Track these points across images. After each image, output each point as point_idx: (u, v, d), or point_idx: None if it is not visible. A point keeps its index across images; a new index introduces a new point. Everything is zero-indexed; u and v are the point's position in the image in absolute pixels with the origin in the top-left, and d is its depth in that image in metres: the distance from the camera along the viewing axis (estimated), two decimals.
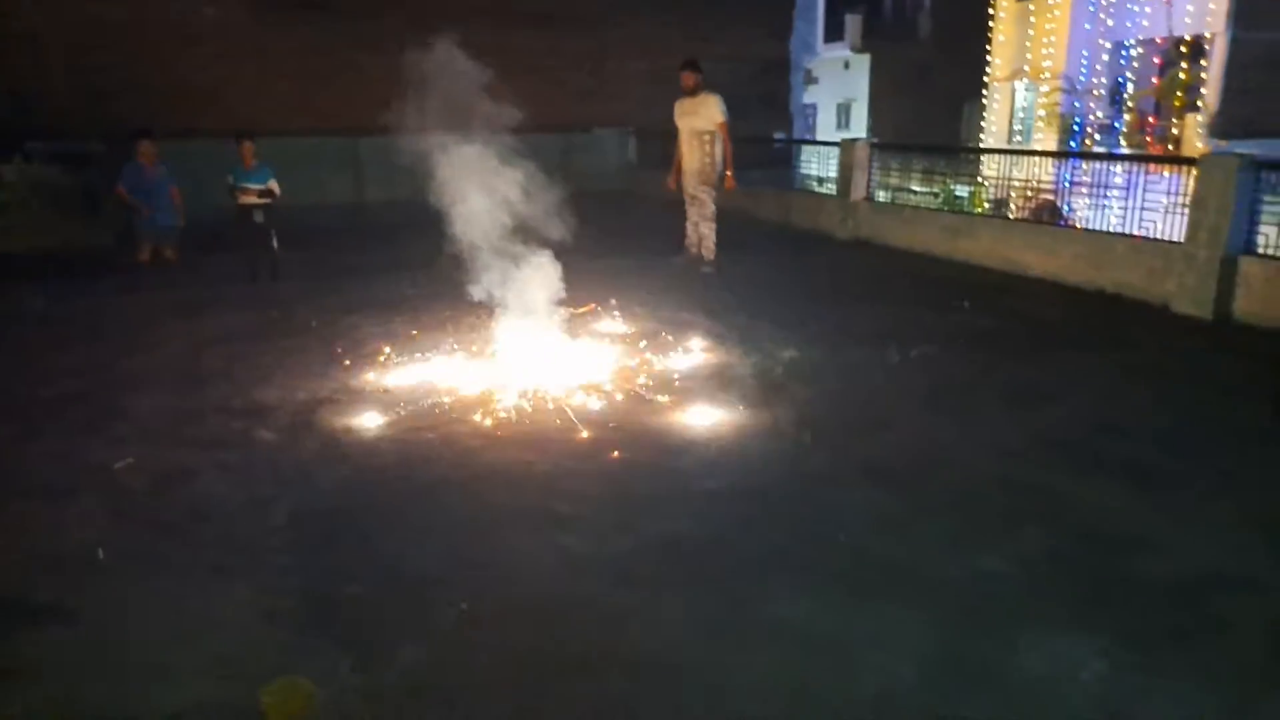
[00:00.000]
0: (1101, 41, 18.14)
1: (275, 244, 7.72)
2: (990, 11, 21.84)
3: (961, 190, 12.18)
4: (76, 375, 5.25)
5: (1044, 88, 19.69)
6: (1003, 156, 9.13)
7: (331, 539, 3.34)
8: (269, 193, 7.69)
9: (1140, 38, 17.09)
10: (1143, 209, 6.90)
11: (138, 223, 8.27)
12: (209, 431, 4.33)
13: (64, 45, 12.40)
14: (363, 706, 2.42)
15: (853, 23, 26.71)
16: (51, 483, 3.81)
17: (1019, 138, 20.95)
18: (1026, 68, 20.83)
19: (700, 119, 7.80)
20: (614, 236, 7.81)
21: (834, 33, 26.19)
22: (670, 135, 8.57)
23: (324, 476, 3.85)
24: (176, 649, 2.68)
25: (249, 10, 13.29)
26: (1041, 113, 19.35)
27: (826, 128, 28.58)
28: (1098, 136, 17.09)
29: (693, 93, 7.81)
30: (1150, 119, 16.40)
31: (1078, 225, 7.80)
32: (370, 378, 5.08)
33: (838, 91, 28.43)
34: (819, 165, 11.69)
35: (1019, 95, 21.54)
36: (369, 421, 4.43)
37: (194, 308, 6.72)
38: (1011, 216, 8.73)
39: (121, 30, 12.62)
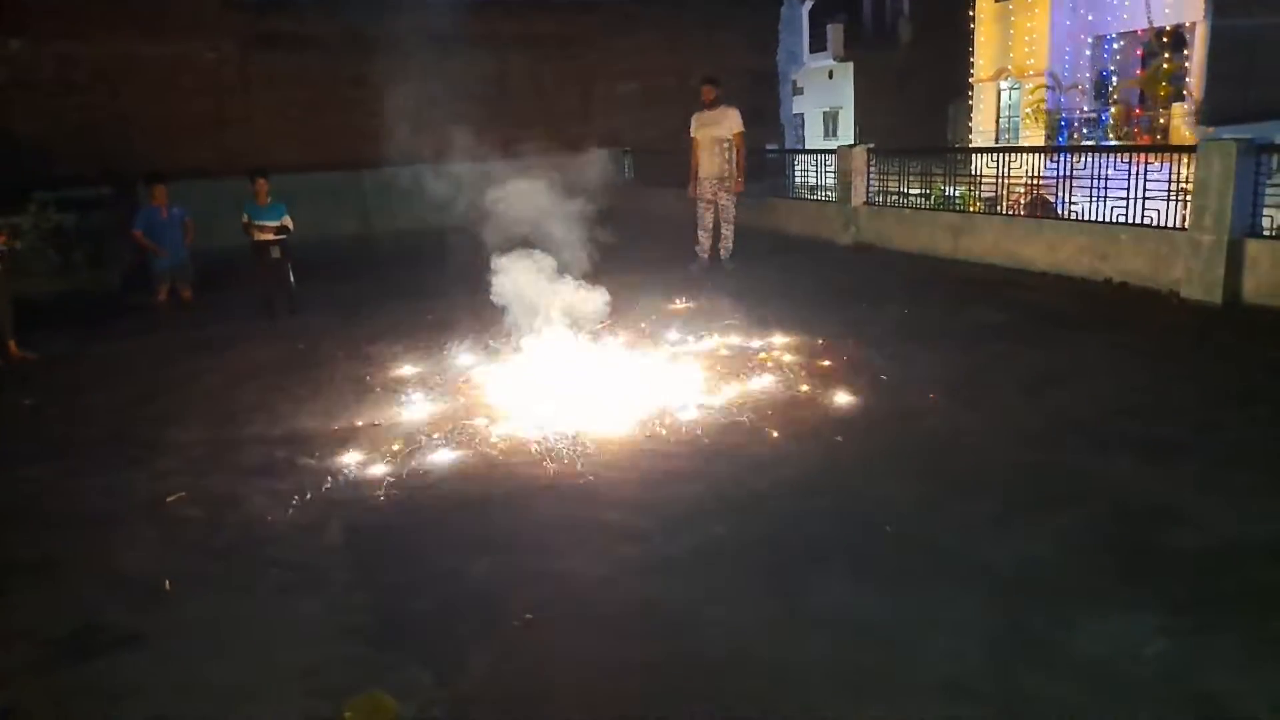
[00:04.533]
0: (1083, 36, 18.42)
1: (292, 278, 7.84)
2: (970, 14, 22.18)
3: (952, 190, 12.35)
4: (113, 413, 5.33)
5: (1028, 85, 19.96)
6: (999, 154, 9.28)
7: (390, 556, 3.41)
8: (284, 229, 7.82)
9: (1121, 30, 17.36)
10: (1144, 198, 7.03)
11: (154, 264, 8.39)
12: (253, 461, 4.40)
13: (57, 90, 12.56)
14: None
15: (834, 32, 27.07)
16: (104, 515, 3.88)
17: (1006, 135, 21.21)
18: (1010, 66, 21.12)
19: (722, 128, 8.54)
20: (625, 250, 7.95)
21: (818, 43, 26.56)
22: (672, 152, 8.86)
23: (373, 498, 3.92)
24: (256, 668, 2.75)
25: (244, 50, 13.49)
26: (1028, 110, 19.61)
27: (814, 136, 28.87)
28: (1085, 130, 17.32)
29: (713, 105, 8.58)
30: (1136, 110, 16.64)
31: (1076, 218, 7.94)
32: (404, 401, 5.17)
33: (823, 100, 28.75)
34: (815, 173, 11.85)
35: (1003, 94, 21.83)
36: (410, 443, 4.51)
37: (218, 344, 6.81)
38: (1004, 212, 8.90)
39: (119, 74, 12.81)
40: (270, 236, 7.76)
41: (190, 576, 3.31)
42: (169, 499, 3.98)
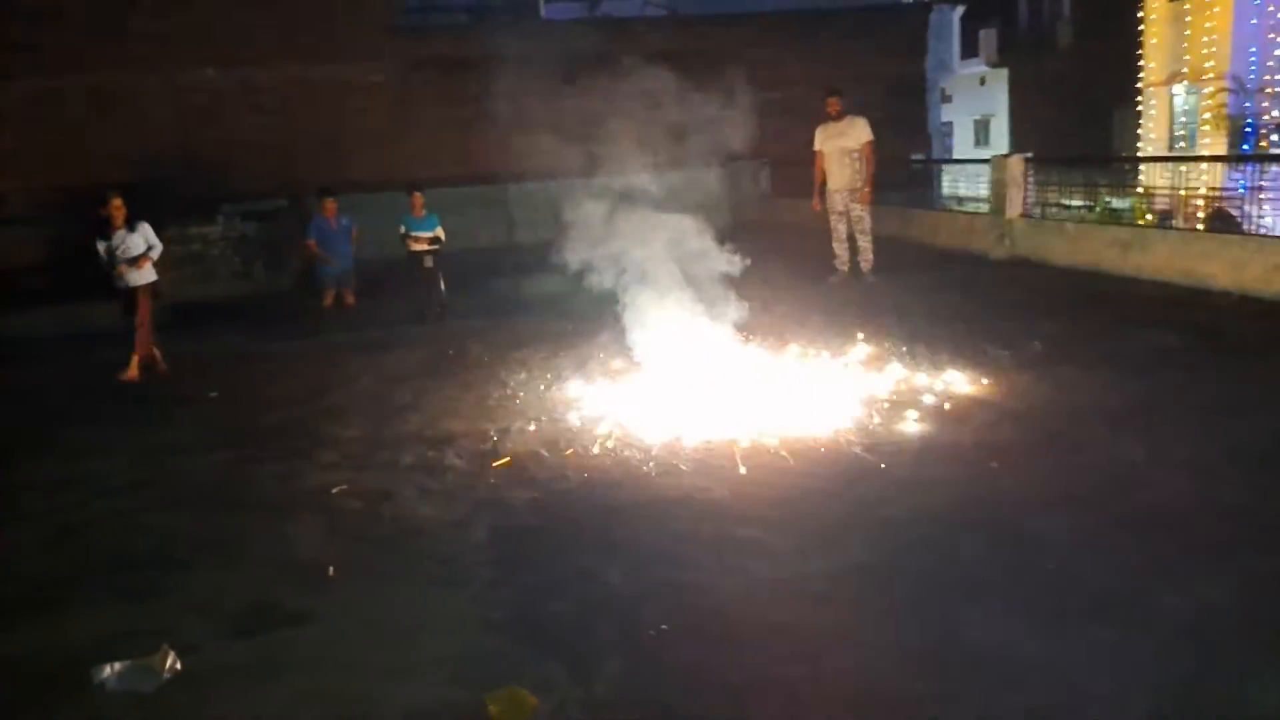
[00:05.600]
0: (1271, 35, 16.82)
1: (443, 286, 8.25)
2: (1140, 14, 20.70)
3: (1119, 202, 11.55)
4: (284, 407, 5.78)
5: (1206, 89, 18.41)
6: (1174, 164, 8.60)
7: (530, 556, 3.52)
8: (437, 239, 8.26)
9: None
10: None
11: (321, 271, 9.03)
12: (407, 458, 4.66)
13: (242, 112, 13.79)
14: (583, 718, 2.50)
15: (987, 38, 25.89)
16: (277, 501, 4.23)
17: (1181, 144, 19.62)
18: (1185, 69, 19.54)
19: (849, 139, 8.46)
20: (763, 262, 7.92)
21: (969, 49, 25.49)
22: (811, 163, 8.77)
23: (515, 499, 4.06)
24: (407, 653, 2.90)
25: (405, 72, 14.36)
26: (1206, 116, 18.07)
27: (964, 145, 27.71)
28: (1275, 137, 15.79)
29: (839, 117, 8.51)
30: None
31: (1265, 233, 7.24)
32: (544, 408, 5.33)
33: (974, 108, 27.57)
34: (964, 184, 11.39)
35: (1177, 99, 20.22)
36: (549, 449, 4.64)
37: (376, 346, 7.26)
38: (1180, 226, 8.22)
39: (295, 96, 13.93)
40: (424, 247, 8.22)
41: (352, 563, 3.53)
42: (333, 490, 4.26)
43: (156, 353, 6.92)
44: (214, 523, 4.04)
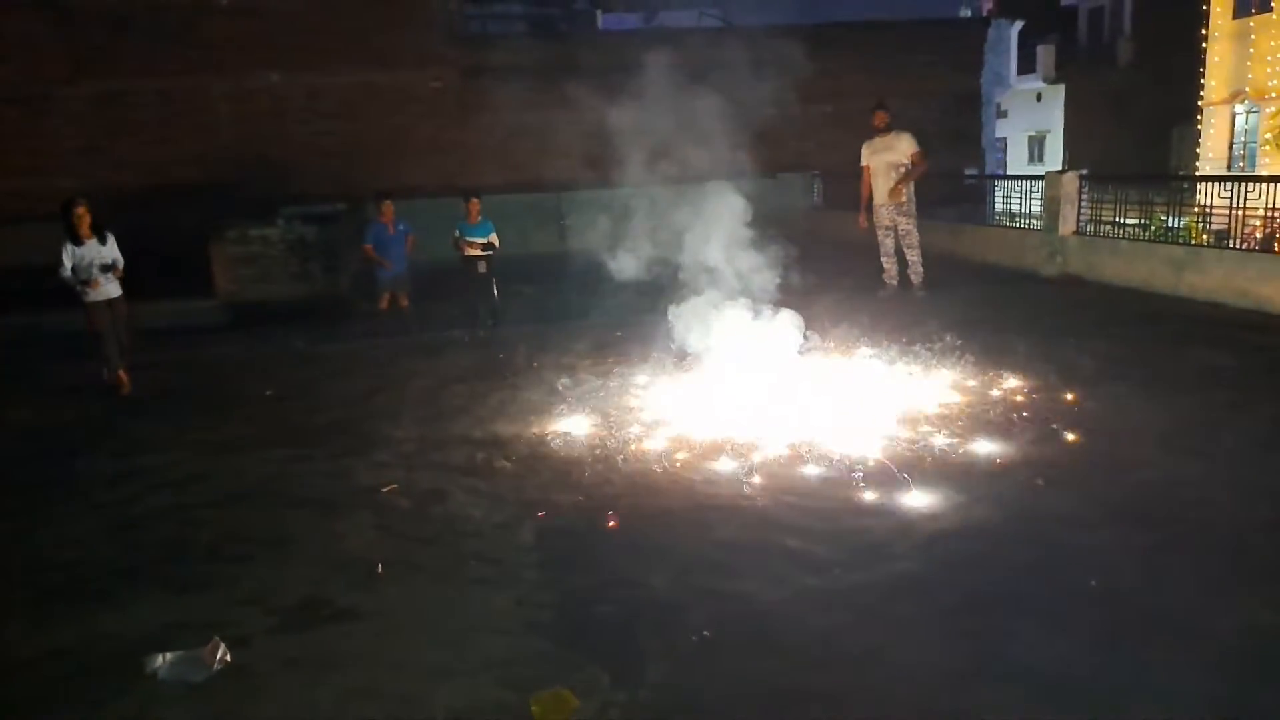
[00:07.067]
0: None
1: (496, 291, 8.40)
2: (1203, 32, 20.23)
3: (1175, 221, 11.31)
4: (338, 407, 5.92)
5: (1270, 109, 17.92)
6: (1234, 184, 8.39)
7: (575, 559, 3.58)
8: (491, 245, 8.40)
9: None
10: None
11: (378, 274, 9.22)
12: (457, 459, 4.75)
13: (304, 117, 14.17)
14: None
15: (1045, 53, 25.53)
16: (327, 499, 4.33)
17: (1241, 164, 19.11)
18: (1247, 88, 19.04)
19: (896, 153, 8.47)
20: (814, 274, 7.93)
21: (1026, 65, 25.11)
22: (858, 176, 8.75)
23: (561, 502, 4.12)
24: (453, 651, 2.96)
25: (463, 79, 14.63)
26: (1268, 135, 17.59)
27: (1017, 161, 27.35)
28: None
29: (885, 130, 8.53)
30: None
31: None
32: (591, 413, 5.39)
33: (1029, 124, 27.21)
34: (1018, 200, 11.23)
35: (1239, 118, 19.70)
36: (596, 453, 4.70)
37: (429, 349, 7.39)
38: (1240, 247, 8.02)
39: (356, 102, 14.27)
40: (478, 252, 8.36)
41: (401, 561, 3.62)
42: (384, 489, 4.37)
43: (122, 373, 6.52)
44: (267, 518, 4.15)
